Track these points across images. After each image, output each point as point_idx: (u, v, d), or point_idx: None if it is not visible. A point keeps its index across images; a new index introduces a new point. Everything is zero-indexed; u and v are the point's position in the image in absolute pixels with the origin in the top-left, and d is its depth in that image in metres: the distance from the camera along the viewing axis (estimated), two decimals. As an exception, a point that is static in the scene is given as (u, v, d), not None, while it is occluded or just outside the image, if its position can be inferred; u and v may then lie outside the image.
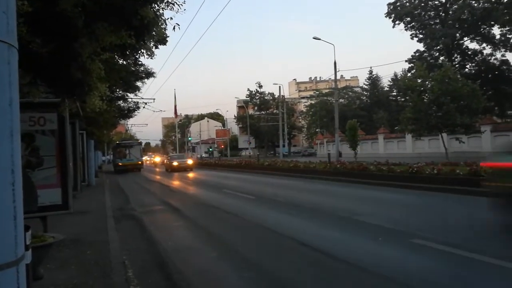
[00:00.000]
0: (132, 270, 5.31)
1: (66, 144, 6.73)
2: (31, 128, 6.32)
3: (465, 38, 46.18)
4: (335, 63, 30.28)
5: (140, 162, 37.33)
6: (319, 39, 30.38)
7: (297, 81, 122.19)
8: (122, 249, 6.46)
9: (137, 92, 21.22)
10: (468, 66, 47.32)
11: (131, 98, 22.82)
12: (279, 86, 51.50)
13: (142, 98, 25.71)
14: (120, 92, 19.65)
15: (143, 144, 42.64)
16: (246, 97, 74.57)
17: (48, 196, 6.30)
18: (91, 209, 11.09)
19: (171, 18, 5.32)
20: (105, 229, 8.10)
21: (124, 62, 14.19)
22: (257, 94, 73.85)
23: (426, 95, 27.32)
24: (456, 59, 46.49)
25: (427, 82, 27.80)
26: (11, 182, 1.66)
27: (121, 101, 21.77)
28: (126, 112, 24.16)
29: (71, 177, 7.21)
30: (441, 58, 44.23)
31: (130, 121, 54.46)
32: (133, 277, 5.01)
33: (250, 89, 74.38)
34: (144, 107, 25.51)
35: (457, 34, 45.27)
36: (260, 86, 73.55)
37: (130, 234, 7.94)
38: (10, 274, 1.65)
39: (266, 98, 73.40)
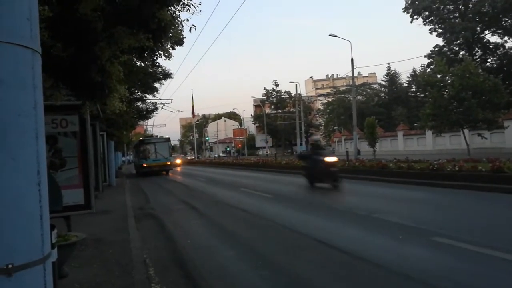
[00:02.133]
0: (153, 269, 5.41)
1: (88, 145, 6.88)
2: (54, 130, 6.49)
3: (486, 32, 44.96)
4: (352, 60, 30.03)
5: (168, 163, 31.02)
6: (336, 36, 30.12)
7: (314, 78, 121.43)
8: (143, 248, 6.58)
9: (155, 93, 21.61)
10: (489, 60, 46.10)
11: (149, 99, 23.21)
12: (296, 84, 51.27)
13: (160, 99, 26.17)
14: (139, 93, 20.03)
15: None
16: (263, 96, 74.62)
17: (71, 196, 6.46)
18: (113, 209, 11.31)
19: (187, 20, 5.44)
20: (126, 228, 8.26)
21: (142, 64, 14.44)
22: (274, 92, 73.77)
23: (446, 90, 26.85)
24: (477, 53, 45.32)
25: (447, 78, 27.31)
26: (37, 183, 1.72)
27: (140, 103, 22.15)
28: (144, 113, 24.52)
29: (92, 178, 7.36)
30: (462, 52, 43.19)
31: (149, 122, 54.90)
32: (154, 275, 5.11)
33: (267, 88, 74.44)
34: (162, 108, 25.83)
35: (478, 28, 44.12)
36: (277, 85, 73.49)
37: (151, 233, 8.08)
38: (37, 272, 1.70)
39: (282, 96, 73.24)
